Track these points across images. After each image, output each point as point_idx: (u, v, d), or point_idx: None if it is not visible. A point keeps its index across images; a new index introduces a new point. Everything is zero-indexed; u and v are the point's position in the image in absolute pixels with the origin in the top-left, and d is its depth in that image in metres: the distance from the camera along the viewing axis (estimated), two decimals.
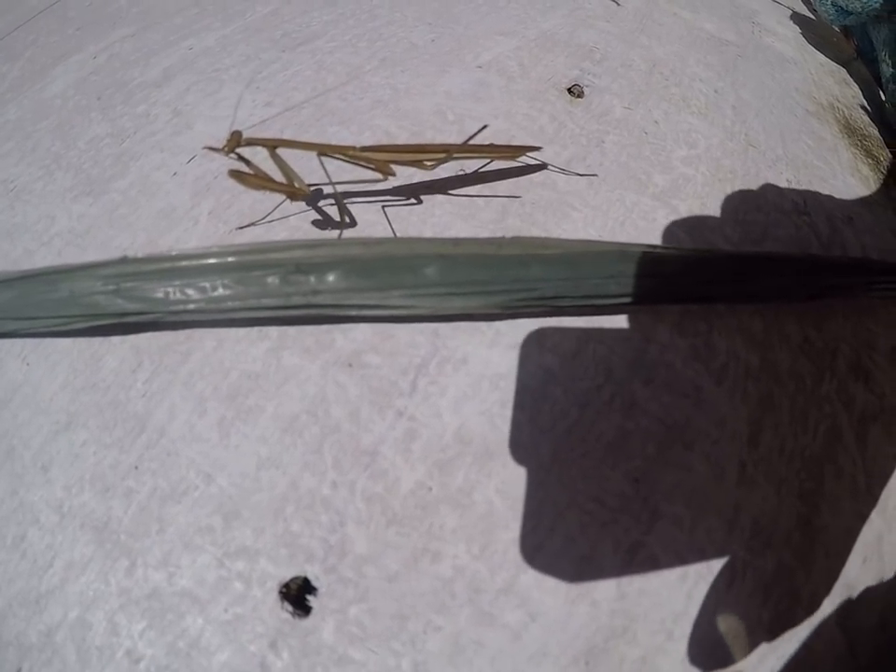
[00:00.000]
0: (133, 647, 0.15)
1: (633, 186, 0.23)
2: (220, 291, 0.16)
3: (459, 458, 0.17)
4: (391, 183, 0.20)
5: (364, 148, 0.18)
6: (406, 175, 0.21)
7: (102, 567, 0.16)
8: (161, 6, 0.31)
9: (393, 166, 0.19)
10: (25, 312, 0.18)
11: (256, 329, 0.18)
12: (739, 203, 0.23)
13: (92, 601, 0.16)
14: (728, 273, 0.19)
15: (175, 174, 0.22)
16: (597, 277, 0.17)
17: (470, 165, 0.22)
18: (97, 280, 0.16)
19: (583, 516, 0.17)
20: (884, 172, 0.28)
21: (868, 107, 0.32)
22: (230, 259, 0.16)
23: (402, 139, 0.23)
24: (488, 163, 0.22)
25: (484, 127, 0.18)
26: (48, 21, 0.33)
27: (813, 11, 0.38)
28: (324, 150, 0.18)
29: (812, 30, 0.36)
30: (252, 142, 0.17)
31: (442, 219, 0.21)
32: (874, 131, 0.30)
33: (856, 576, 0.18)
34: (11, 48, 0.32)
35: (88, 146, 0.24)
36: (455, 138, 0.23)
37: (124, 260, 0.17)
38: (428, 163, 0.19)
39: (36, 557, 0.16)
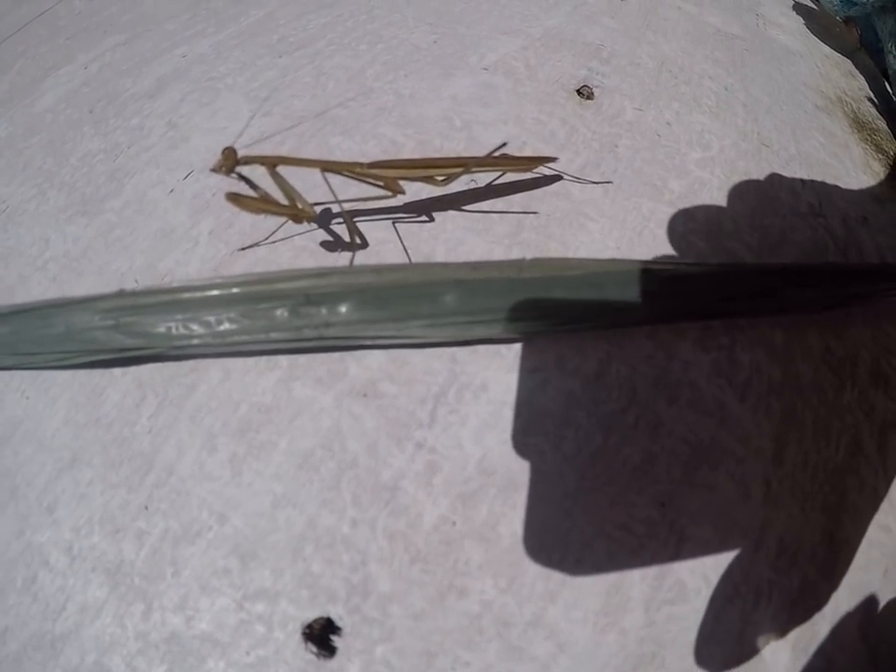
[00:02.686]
0: None
1: (649, 192, 0.20)
2: (226, 326, 0.14)
3: (483, 491, 0.15)
4: (401, 200, 0.17)
5: (372, 164, 0.16)
6: (415, 188, 0.18)
7: (117, 610, 0.14)
8: (153, 12, 0.28)
9: (402, 183, 0.16)
10: (21, 348, 0.15)
11: (265, 358, 0.16)
12: (756, 206, 0.21)
13: (109, 645, 0.14)
14: (752, 288, 0.17)
15: (171, 191, 0.20)
16: (621, 298, 0.15)
17: (482, 178, 0.19)
18: (94, 314, 0.14)
19: (611, 544, 0.15)
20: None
21: (875, 100, 0.29)
22: (234, 290, 0.14)
23: (409, 148, 0.20)
24: (501, 175, 0.19)
25: (504, 145, 0.15)
26: (38, 31, 0.30)
27: (815, 2, 0.35)
28: (328, 167, 0.15)
29: (815, 20, 0.32)
30: (249, 160, 0.14)
31: (455, 234, 0.18)
32: (882, 124, 0.27)
33: (878, 587, 0.16)
34: (1, 61, 0.28)
35: (81, 162, 0.21)
36: (464, 145, 0.20)
37: (122, 294, 0.14)
38: (440, 178, 0.17)
39: (48, 600, 0.14)
